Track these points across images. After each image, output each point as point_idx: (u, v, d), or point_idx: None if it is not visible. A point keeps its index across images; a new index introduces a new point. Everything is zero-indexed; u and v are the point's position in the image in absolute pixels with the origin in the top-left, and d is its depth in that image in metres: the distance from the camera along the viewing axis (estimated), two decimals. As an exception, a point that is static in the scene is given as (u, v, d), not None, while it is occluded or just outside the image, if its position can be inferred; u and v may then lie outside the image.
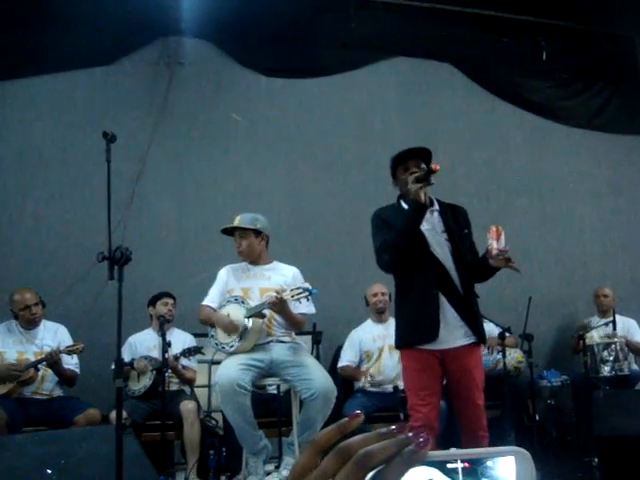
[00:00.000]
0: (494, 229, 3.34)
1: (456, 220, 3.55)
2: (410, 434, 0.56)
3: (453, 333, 3.37)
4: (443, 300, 3.37)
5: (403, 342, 3.52)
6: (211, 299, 4.32)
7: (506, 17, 7.01)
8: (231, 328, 4.08)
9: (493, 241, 3.29)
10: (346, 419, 0.61)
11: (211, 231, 6.17)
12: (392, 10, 6.77)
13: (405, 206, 3.47)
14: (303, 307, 4.11)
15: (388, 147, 6.83)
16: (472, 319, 3.42)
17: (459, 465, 0.58)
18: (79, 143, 5.98)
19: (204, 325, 4.36)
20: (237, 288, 4.26)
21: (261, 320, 4.07)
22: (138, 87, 6.25)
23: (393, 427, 0.57)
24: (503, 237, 3.30)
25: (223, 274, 4.37)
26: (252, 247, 4.25)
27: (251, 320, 4.03)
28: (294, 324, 4.19)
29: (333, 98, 6.81)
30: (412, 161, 3.51)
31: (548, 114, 7.43)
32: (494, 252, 3.28)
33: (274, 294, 3.91)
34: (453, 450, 0.60)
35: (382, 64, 7.00)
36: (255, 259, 4.30)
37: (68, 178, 6.00)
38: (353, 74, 6.88)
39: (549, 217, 7.23)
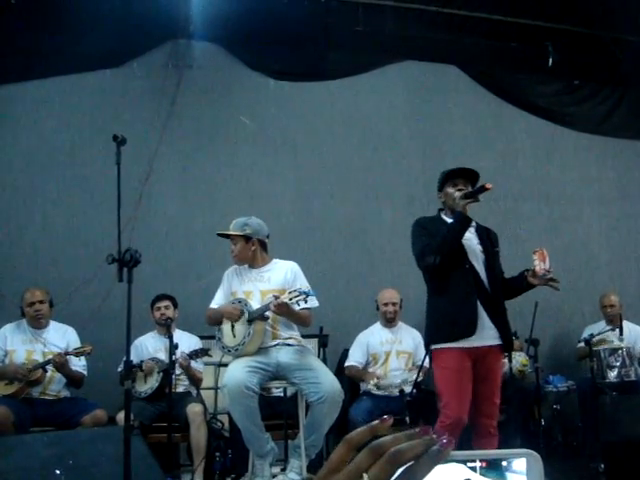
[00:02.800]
0: (540, 252, 3.69)
1: (489, 239, 3.86)
2: (435, 435, 0.63)
3: (486, 332, 3.62)
4: (479, 303, 3.63)
5: (437, 338, 3.69)
6: (216, 302, 4.36)
7: (514, 22, 7.00)
8: (236, 313, 4.09)
9: (540, 262, 3.64)
10: (377, 421, 0.68)
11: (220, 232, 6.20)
12: (400, 14, 6.77)
13: (446, 219, 3.79)
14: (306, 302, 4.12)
15: (395, 151, 6.90)
16: (502, 325, 3.70)
17: (478, 464, 0.66)
18: (88, 145, 6.01)
19: (212, 327, 4.38)
20: (239, 291, 4.28)
21: (264, 323, 4.08)
22: (147, 89, 6.27)
23: (418, 429, 0.64)
24: (548, 260, 3.67)
25: (226, 277, 4.40)
26: (243, 252, 4.28)
27: (254, 323, 4.04)
28: (301, 321, 4.20)
29: (341, 102, 6.82)
30: (461, 179, 3.79)
31: (555, 119, 7.43)
32: (541, 272, 3.63)
33: (273, 299, 3.93)
34: (472, 451, 0.68)
35: (390, 68, 7.00)
36: (250, 262, 4.31)
37: (77, 179, 6.02)
38: (361, 78, 6.88)
39: (556, 222, 7.22)
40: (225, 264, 4.52)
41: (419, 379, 4.95)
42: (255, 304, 4.11)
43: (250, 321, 4.05)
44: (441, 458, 0.62)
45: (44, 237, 5.86)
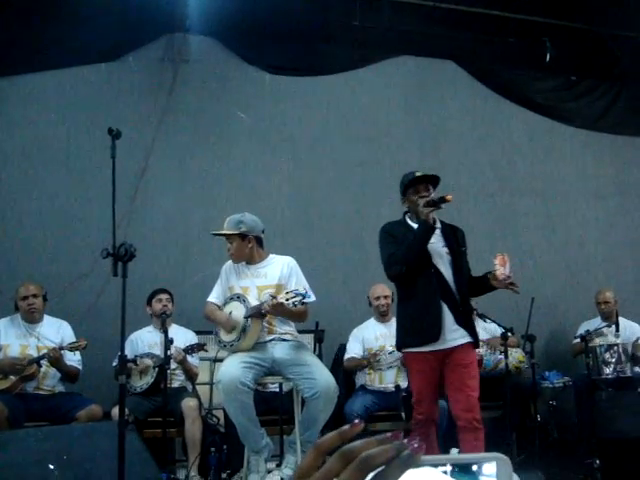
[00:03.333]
0: (501, 257, 3.72)
1: (455, 238, 3.91)
2: (406, 440, 0.63)
3: (451, 335, 3.75)
4: (444, 306, 3.75)
5: (405, 344, 3.92)
6: (215, 296, 4.35)
7: (511, 17, 6.98)
8: (228, 326, 4.09)
9: (501, 267, 3.68)
10: (348, 426, 0.68)
11: (215, 228, 6.18)
12: (397, 9, 6.75)
13: (411, 223, 3.88)
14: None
15: (392, 146, 6.89)
16: (469, 325, 3.84)
17: (448, 468, 0.66)
18: (83, 139, 5.98)
19: (208, 322, 4.37)
20: (237, 286, 4.27)
21: (261, 319, 4.08)
22: (143, 84, 6.24)
23: (390, 434, 0.65)
24: (508, 265, 3.70)
25: (224, 271, 4.38)
26: (240, 250, 4.25)
27: (250, 320, 4.03)
28: (297, 317, 4.20)
29: (338, 96, 6.81)
30: (422, 185, 3.85)
31: (553, 115, 7.42)
32: (501, 277, 3.68)
33: (270, 299, 3.91)
34: (443, 455, 0.68)
35: (387, 63, 6.99)
36: (247, 260, 4.30)
37: (73, 174, 6.00)
38: (358, 73, 6.87)
39: (553, 218, 7.22)
40: (221, 259, 4.51)
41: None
42: (252, 300, 4.10)
43: (246, 318, 4.04)
44: (412, 463, 0.63)
45: (39, 232, 5.84)
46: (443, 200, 3.65)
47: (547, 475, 4.39)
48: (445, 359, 3.77)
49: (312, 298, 4.10)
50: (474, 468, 0.67)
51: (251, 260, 4.28)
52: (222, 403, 4.12)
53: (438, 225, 3.85)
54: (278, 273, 4.23)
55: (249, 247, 4.24)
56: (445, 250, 3.83)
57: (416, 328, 3.78)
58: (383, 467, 0.62)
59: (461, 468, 0.67)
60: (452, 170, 7.00)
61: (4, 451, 3.11)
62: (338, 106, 6.79)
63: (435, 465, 0.66)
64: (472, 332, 3.84)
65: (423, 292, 3.77)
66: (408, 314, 3.87)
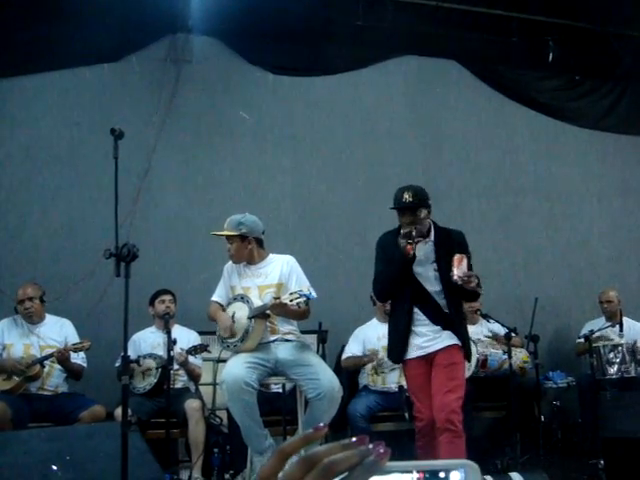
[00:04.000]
0: (455, 258, 3.67)
1: (449, 247, 3.83)
2: (371, 446, 0.62)
3: (434, 340, 3.82)
4: (420, 318, 3.84)
5: (391, 356, 4.10)
6: (218, 294, 4.36)
7: (514, 16, 6.97)
8: (229, 332, 4.08)
9: (454, 268, 3.65)
10: (311, 430, 0.66)
11: (217, 228, 6.17)
12: (400, 8, 6.74)
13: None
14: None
15: (395, 146, 6.88)
16: (457, 331, 3.84)
17: (415, 475, 0.65)
18: (86, 140, 5.98)
19: (212, 321, 4.36)
20: (238, 286, 4.27)
21: (265, 320, 4.07)
22: (145, 84, 6.24)
23: (355, 439, 0.62)
24: (464, 264, 3.65)
25: (226, 270, 4.39)
26: (240, 251, 4.25)
27: (254, 320, 4.02)
28: (299, 317, 4.19)
29: (340, 96, 6.80)
30: (404, 216, 3.81)
31: (556, 114, 7.41)
32: (454, 278, 3.63)
33: (272, 300, 3.92)
34: (410, 462, 0.67)
35: (390, 63, 6.98)
36: (247, 260, 4.29)
37: (75, 174, 6.00)
38: (361, 72, 6.86)
39: (556, 218, 7.21)
40: (224, 259, 4.50)
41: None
42: (254, 300, 4.10)
43: (250, 319, 4.04)
44: (376, 469, 0.61)
45: (42, 232, 5.84)
46: (420, 236, 3.74)
47: (551, 475, 4.36)
48: (433, 360, 3.83)
49: (314, 295, 4.10)
50: (441, 475, 0.66)
51: (251, 260, 4.28)
52: (225, 403, 4.11)
53: (430, 239, 3.89)
54: (278, 272, 4.22)
55: (249, 248, 4.24)
56: (434, 267, 3.86)
57: (390, 345, 4.04)
58: (346, 474, 0.61)
59: (427, 475, 0.65)
60: (455, 170, 7.00)
61: (8, 452, 3.11)
62: (341, 106, 6.78)
63: (402, 471, 0.65)
64: (461, 337, 3.85)
65: (398, 311, 3.93)
66: (390, 329, 4.06)
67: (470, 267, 3.88)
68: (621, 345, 5.54)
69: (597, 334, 5.61)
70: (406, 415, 5.01)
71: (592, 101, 7.55)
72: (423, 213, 3.80)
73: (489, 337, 5.60)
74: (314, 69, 6.74)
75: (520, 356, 5.48)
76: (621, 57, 7.35)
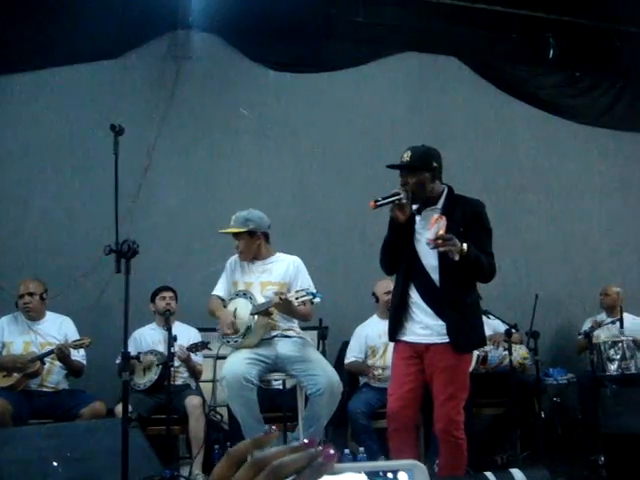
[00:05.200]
0: (433, 217, 3.38)
1: (458, 218, 3.43)
2: (319, 448, 0.63)
3: (429, 329, 3.43)
4: (417, 300, 3.46)
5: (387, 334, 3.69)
6: (219, 289, 4.35)
7: (515, 13, 6.96)
8: (232, 329, 4.07)
9: (427, 231, 3.36)
10: (262, 434, 0.68)
11: (218, 225, 6.17)
12: (400, 5, 6.75)
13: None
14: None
15: (396, 142, 6.82)
16: (451, 322, 3.39)
17: (363, 476, 0.67)
18: (86, 136, 5.97)
19: (211, 316, 4.36)
20: (241, 282, 4.27)
21: (267, 317, 4.07)
22: (146, 81, 6.23)
23: (305, 441, 0.65)
24: (439, 225, 3.30)
25: (229, 265, 4.38)
26: (248, 247, 4.25)
27: (257, 317, 4.02)
28: (301, 317, 4.20)
29: (341, 93, 6.79)
30: (400, 177, 3.49)
31: (556, 111, 7.40)
32: (426, 243, 3.32)
33: (277, 296, 3.90)
34: (359, 463, 0.70)
35: (390, 59, 6.96)
36: (255, 257, 4.30)
37: (76, 171, 5.99)
38: (361, 69, 6.85)
39: (557, 214, 7.20)
40: (224, 256, 4.51)
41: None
42: (256, 295, 4.10)
43: (252, 315, 4.04)
44: (324, 472, 0.62)
45: (43, 229, 5.84)
46: (415, 201, 3.42)
47: (551, 472, 4.37)
48: (424, 355, 3.46)
49: (320, 296, 4.12)
50: (389, 476, 0.67)
51: (258, 256, 4.28)
52: (226, 400, 4.12)
53: (438, 206, 3.49)
54: (283, 271, 4.23)
55: (257, 244, 4.25)
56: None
57: (390, 320, 3.63)
58: (294, 476, 0.62)
59: (374, 476, 0.67)
60: (456, 166, 6.96)
61: (8, 448, 3.11)
62: (341, 103, 6.77)
63: (351, 473, 0.67)
64: (454, 331, 3.38)
65: (395, 287, 3.63)
66: (391, 305, 3.73)
67: (486, 244, 3.46)
68: (621, 341, 5.54)
69: (598, 331, 5.61)
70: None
71: (592, 97, 7.54)
72: (422, 176, 3.43)
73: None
74: (315, 66, 6.73)
75: (520, 352, 5.48)
76: (621, 53, 7.34)
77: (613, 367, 5.43)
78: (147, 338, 5.18)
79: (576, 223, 7.25)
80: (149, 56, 6.24)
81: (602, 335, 5.71)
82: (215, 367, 5.01)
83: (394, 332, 3.54)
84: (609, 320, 5.86)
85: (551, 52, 7.10)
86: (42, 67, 6.00)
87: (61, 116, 6.06)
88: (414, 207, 3.50)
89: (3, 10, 5.76)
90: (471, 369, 5.28)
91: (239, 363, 3.92)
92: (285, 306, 3.92)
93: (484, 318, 5.67)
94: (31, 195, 5.89)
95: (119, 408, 4.29)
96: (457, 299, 3.42)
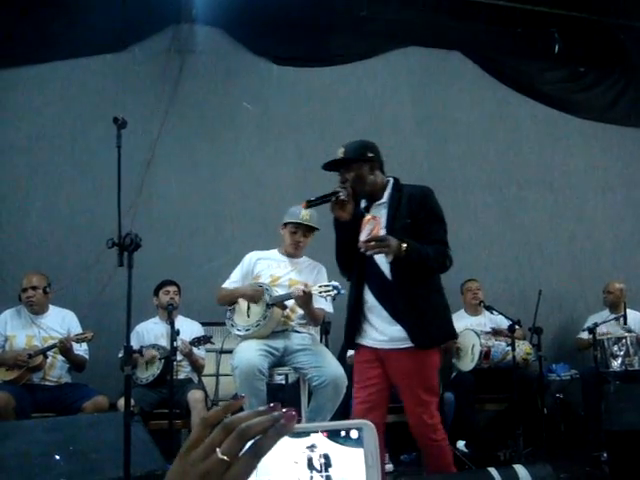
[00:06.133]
0: (365, 219, 3.18)
1: (405, 209, 3.27)
2: (282, 411, 0.71)
3: (385, 335, 3.24)
4: (372, 302, 3.28)
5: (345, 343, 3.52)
6: (232, 283, 4.32)
7: (519, 7, 6.93)
8: (259, 294, 4.07)
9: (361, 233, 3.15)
10: (231, 401, 0.78)
11: (220, 218, 6.17)
12: (404, -1, 6.73)
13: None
14: (322, 302, 4.10)
15: (399, 137, 6.85)
16: (409, 322, 3.17)
17: (320, 434, 0.76)
18: (89, 130, 5.96)
19: (222, 303, 4.32)
20: (266, 275, 4.25)
21: (282, 310, 4.07)
22: (149, 74, 6.22)
23: (270, 405, 0.72)
24: (366, 229, 3.12)
25: (249, 260, 4.36)
26: (306, 245, 4.33)
27: (273, 308, 4.02)
28: (313, 318, 4.19)
29: (344, 87, 6.77)
30: (340, 174, 3.33)
31: (561, 106, 7.37)
32: (359, 245, 3.13)
33: (301, 287, 3.93)
34: (315, 424, 0.82)
35: (394, 54, 6.95)
36: (293, 254, 4.32)
37: (78, 165, 5.99)
38: (365, 63, 6.83)
39: (560, 210, 7.18)
40: (227, 250, 4.51)
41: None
42: (280, 290, 4.11)
43: (269, 305, 4.03)
44: (285, 431, 0.71)
45: (46, 222, 5.84)
46: (333, 194, 3.20)
47: (554, 468, 4.36)
48: (385, 361, 3.27)
49: (330, 309, 4.19)
50: (342, 434, 0.76)
51: (297, 253, 4.29)
52: (228, 394, 4.11)
53: (383, 200, 3.32)
54: (311, 275, 4.25)
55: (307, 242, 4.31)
56: (383, 231, 3.21)
57: (346, 325, 3.46)
58: (260, 436, 0.69)
59: (332, 434, 0.76)
60: (459, 162, 6.97)
61: (10, 441, 3.11)
62: (345, 97, 6.75)
63: (309, 432, 0.76)
64: (413, 330, 3.15)
65: (352, 288, 3.43)
66: (347, 309, 3.52)
67: (436, 233, 3.26)
68: (625, 338, 5.53)
69: (601, 327, 5.59)
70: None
71: (596, 93, 7.51)
72: (360, 169, 3.28)
73: (489, 332, 5.59)
74: (318, 60, 6.72)
75: (523, 348, 5.47)
76: (626, 49, 7.32)
77: (616, 363, 5.42)
78: (150, 332, 5.17)
79: (579, 219, 7.23)
80: (153, 50, 6.22)
81: (605, 331, 5.70)
82: (218, 361, 5.01)
83: (351, 338, 3.36)
84: (612, 317, 5.84)
85: (556, 47, 7.06)
86: (45, 60, 6.00)
87: (64, 109, 6.05)
88: (363, 204, 3.38)
89: (7, 4, 5.75)
90: (474, 364, 5.31)
91: (253, 353, 3.91)
92: (305, 300, 3.92)
93: (487, 313, 5.69)
94: (34, 188, 5.88)
95: (121, 402, 4.27)
96: (413, 294, 3.20)
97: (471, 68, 7.16)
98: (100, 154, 5.64)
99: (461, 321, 5.83)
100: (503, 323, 5.46)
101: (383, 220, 3.25)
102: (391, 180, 3.39)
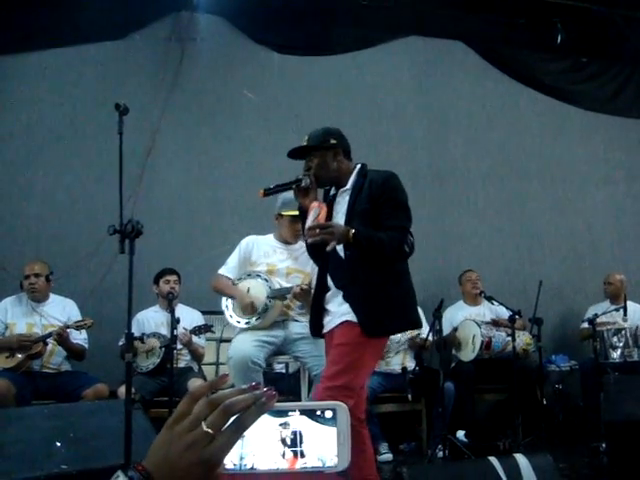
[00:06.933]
0: (311, 206, 3.13)
1: (365, 194, 3.18)
2: (263, 390, 0.78)
3: (331, 316, 3.20)
4: (333, 289, 3.20)
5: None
6: (229, 269, 4.25)
7: (522, -2, 6.90)
8: (249, 310, 4.03)
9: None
10: (217, 378, 0.84)
11: (221, 207, 6.16)
12: (406, -12, 6.69)
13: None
14: None
15: (400, 127, 6.84)
16: (356, 301, 3.07)
17: (297, 413, 0.82)
18: (89, 118, 5.95)
19: (217, 293, 4.29)
20: (262, 263, 4.19)
21: (282, 302, 4.06)
22: (149, 62, 6.20)
23: (252, 383, 0.78)
24: (311, 215, 3.08)
25: (246, 245, 4.29)
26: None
27: (273, 301, 4.01)
28: None
29: (345, 77, 6.75)
30: (305, 161, 3.29)
31: (563, 97, 7.36)
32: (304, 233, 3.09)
33: (298, 286, 3.92)
34: (292, 403, 0.84)
35: (395, 43, 6.92)
36: (288, 240, 4.26)
37: (78, 152, 5.97)
38: (366, 52, 6.81)
39: (561, 201, 7.18)
40: (227, 238, 4.49)
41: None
42: (279, 279, 4.09)
43: (269, 298, 4.02)
44: (266, 408, 0.77)
45: (46, 210, 5.83)
46: (295, 182, 3.19)
47: (553, 458, 4.38)
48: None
49: None
50: (318, 413, 0.82)
51: (292, 239, 4.24)
52: (229, 382, 4.11)
53: (348, 187, 3.25)
54: (308, 262, 4.19)
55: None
56: (343, 220, 3.15)
57: (311, 313, 3.39)
58: (242, 412, 0.75)
59: (308, 413, 0.82)
60: (460, 152, 6.96)
61: (11, 428, 3.11)
62: (346, 86, 6.73)
63: (287, 411, 0.82)
64: (358, 310, 3.04)
65: (317, 275, 3.36)
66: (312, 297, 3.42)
67: (395, 218, 3.12)
68: (625, 329, 5.54)
69: (602, 318, 5.59)
70: (409, 396, 5.02)
71: (599, 84, 7.49)
72: (324, 156, 3.23)
73: (489, 323, 5.60)
74: (319, 49, 6.69)
75: (523, 338, 5.48)
76: (629, 40, 7.28)
77: (616, 354, 5.44)
78: (150, 321, 5.17)
79: (580, 210, 7.23)
80: (153, 37, 6.20)
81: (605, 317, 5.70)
82: (218, 350, 5.02)
83: (315, 326, 3.30)
84: (612, 308, 5.85)
85: (558, 38, 7.03)
86: (46, 48, 5.97)
87: (64, 97, 6.03)
88: (333, 191, 3.33)
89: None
90: (475, 354, 5.32)
91: (247, 345, 3.90)
92: (304, 296, 3.90)
93: (487, 303, 5.69)
94: (34, 176, 5.87)
95: (122, 390, 4.29)
96: (368, 282, 3.08)
97: (473, 58, 7.14)
98: (100, 142, 5.63)
99: (460, 311, 5.84)
100: (503, 313, 5.47)
101: (344, 206, 3.19)
102: (358, 166, 3.33)
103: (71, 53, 6.05)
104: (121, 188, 3.15)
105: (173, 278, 5.20)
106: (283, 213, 4.21)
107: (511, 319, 5.13)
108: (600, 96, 7.46)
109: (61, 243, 5.71)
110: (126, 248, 3.00)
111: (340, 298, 3.13)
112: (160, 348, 4.90)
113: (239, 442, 0.77)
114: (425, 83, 6.99)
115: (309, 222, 3.04)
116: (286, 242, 4.27)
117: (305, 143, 3.29)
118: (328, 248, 2.94)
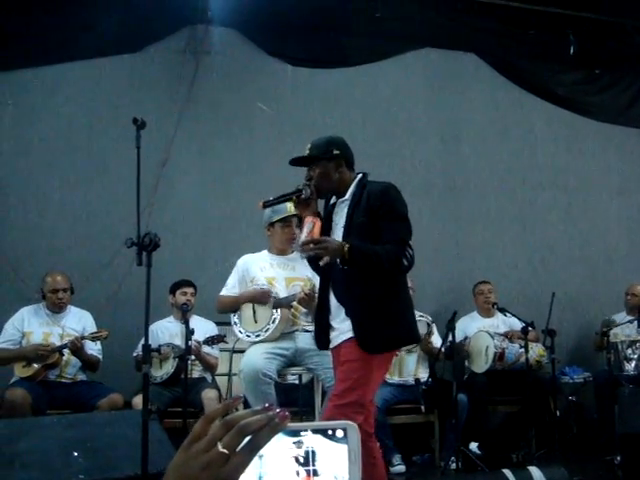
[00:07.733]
0: (305, 220, 3.14)
1: (363, 206, 3.13)
2: (276, 411, 0.79)
3: (336, 332, 3.17)
4: (334, 303, 3.16)
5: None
6: (229, 289, 4.32)
7: (534, 9, 6.91)
8: (266, 296, 4.06)
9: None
10: (231, 400, 0.88)
11: (235, 218, 6.19)
12: (419, 1, 6.72)
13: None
14: None
15: (413, 138, 6.85)
16: (355, 318, 3.03)
17: (309, 433, 0.83)
18: (105, 130, 6.01)
19: (224, 314, 4.35)
20: (260, 277, 4.24)
21: (288, 311, 4.08)
22: (164, 75, 6.25)
23: (266, 405, 0.80)
24: (304, 229, 3.10)
25: (243, 263, 4.35)
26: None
27: (279, 310, 4.03)
28: None
29: (359, 89, 6.78)
30: (307, 171, 3.27)
31: (576, 108, 7.35)
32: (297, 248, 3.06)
33: (302, 293, 3.93)
34: (304, 423, 0.86)
35: (408, 55, 6.94)
36: (282, 252, 4.29)
37: (94, 164, 6.02)
38: (379, 65, 6.83)
39: (574, 212, 7.16)
40: (242, 249, 4.52)
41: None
42: (281, 290, 4.11)
43: (275, 307, 4.05)
44: (279, 428, 0.78)
45: (62, 222, 5.88)
46: (295, 193, 3.20)
47: (567, 471, 4.36)
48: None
49: None
50: (329, 432, 0.83)
51: (286, 252, 4.27)
52: (243, 392, 4.13)
53: (346, 197, 3.21)
54: (307, 269, 4.21)
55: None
56: (341, 232, 3.13)
57: (315, 326, 3.40)
58: (256, 432, 0.76)
59: (320, 433, 0.83)
60: (473, 163, 6.97)
61: (29, 438, 3.14)
62: (360, 98, 6.76)
63: (299, 431, 0.83)
64: (357, 327, 3.00)
65: (319, 288, 3.32)
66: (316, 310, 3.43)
67: (392, 232, 3.06)
68: (639, 341, 5.50)
69: (616, 330, 5.57)
70: (422, 407, 5.02)
71: (612, 95, 7.48)
72: (326, 166, 3.18)
73: (502, 334, 5.58)
74: (333, 61, 6.73)
75: (536, 350, 5.47)
76: (642, 51, 7.28)
77: (630, 367, 5.40)
78: (164, 331, 5.19)
79: (594, 221, 7.21)
80: (168, 50, 6.26)
81: (620, 334, 5.68)
82: (231, 361, 5.04)
83: (320, 341, 3.30)
84: (628, 319, 5.82)
85: (571, 49, 7.04)
86: (62, 61, 6.03)
87: (80, 109, 6.09)
88: (333, 201, 3.30)
89: (24, 4, 5.80)
90: (487, 367, 5.31)
91: (258, 357, 3.92)
92: (309, 301, 3.92)
93: (500, 315, 5.68)
94: (51, 187, 5.93)
95: (137, 400, 4.32)
96: (365, 296, 3.05)
97: (486, 70, 7.15)
98: (116, 154, 5.68)
99: (474, 322, 5.84)
100: (516, 325, 5.46)
101: (343, 218, 3.16)
102: (358, 176, 3.27)
103: (87, 66, 6.11)
104: (139, 202, 3.19)
105: (190, 290, 5.23)
106: (275, 220, 4.23)
107: (524, 330, 5.12)
108: (613, 107, 7.44)
109: (77, 254, 5.76)
110: (143, 260, 3.03)
111: (343, 314, 3.09)
112: (174, 358, 4.92)
113: (257, 462, 0.79)
114: (438, 95, 7.01)
115: (302, 237, 3.04)
116: (280, 253, 4.29)
117: (307, 151, 3.24)
118: (321, 263, 2.92)
